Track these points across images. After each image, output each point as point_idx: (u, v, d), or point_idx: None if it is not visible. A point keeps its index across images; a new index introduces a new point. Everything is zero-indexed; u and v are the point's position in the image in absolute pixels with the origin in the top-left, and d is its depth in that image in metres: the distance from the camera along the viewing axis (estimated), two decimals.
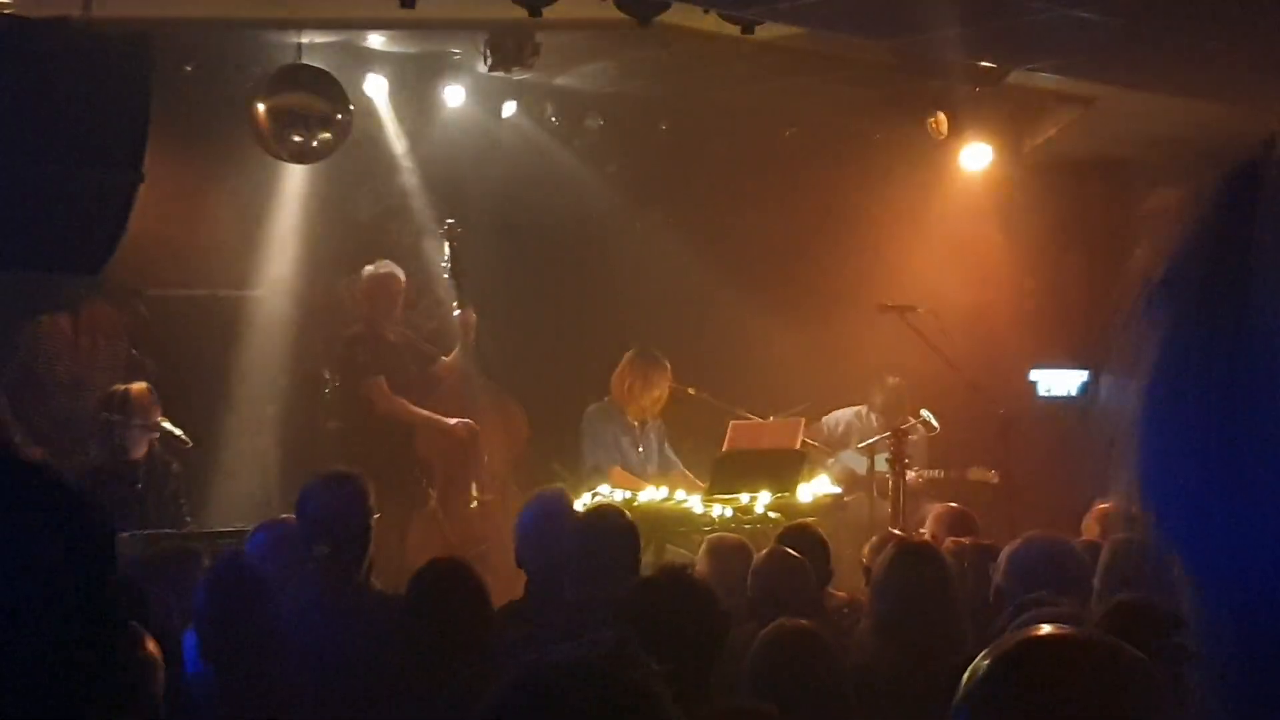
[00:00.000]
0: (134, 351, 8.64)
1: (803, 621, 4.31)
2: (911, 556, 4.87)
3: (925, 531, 7.27)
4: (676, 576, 3.75)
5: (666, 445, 9.10)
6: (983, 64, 9.37)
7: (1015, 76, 9.64)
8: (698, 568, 5.90)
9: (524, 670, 1.83)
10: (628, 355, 9.00)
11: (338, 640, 4.56)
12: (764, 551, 5.82)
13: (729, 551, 6.11)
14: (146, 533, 7.33)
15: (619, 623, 3.57)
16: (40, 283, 8.22)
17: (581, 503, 8.10)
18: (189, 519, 7.99)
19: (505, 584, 5.62)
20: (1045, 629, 1.72)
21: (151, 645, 3.06)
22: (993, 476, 9.72)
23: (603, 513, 5.62)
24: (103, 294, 8.35)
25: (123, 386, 8.02)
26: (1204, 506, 0.79)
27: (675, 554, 7.68)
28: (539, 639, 4.32)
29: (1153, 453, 0.82)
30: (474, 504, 9.07)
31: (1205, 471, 0.79)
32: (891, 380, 10.11)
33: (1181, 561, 0.81)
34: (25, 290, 8.37)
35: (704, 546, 6.27)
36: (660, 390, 8.92)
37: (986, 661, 1.62)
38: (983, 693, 1.60)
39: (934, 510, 7.51)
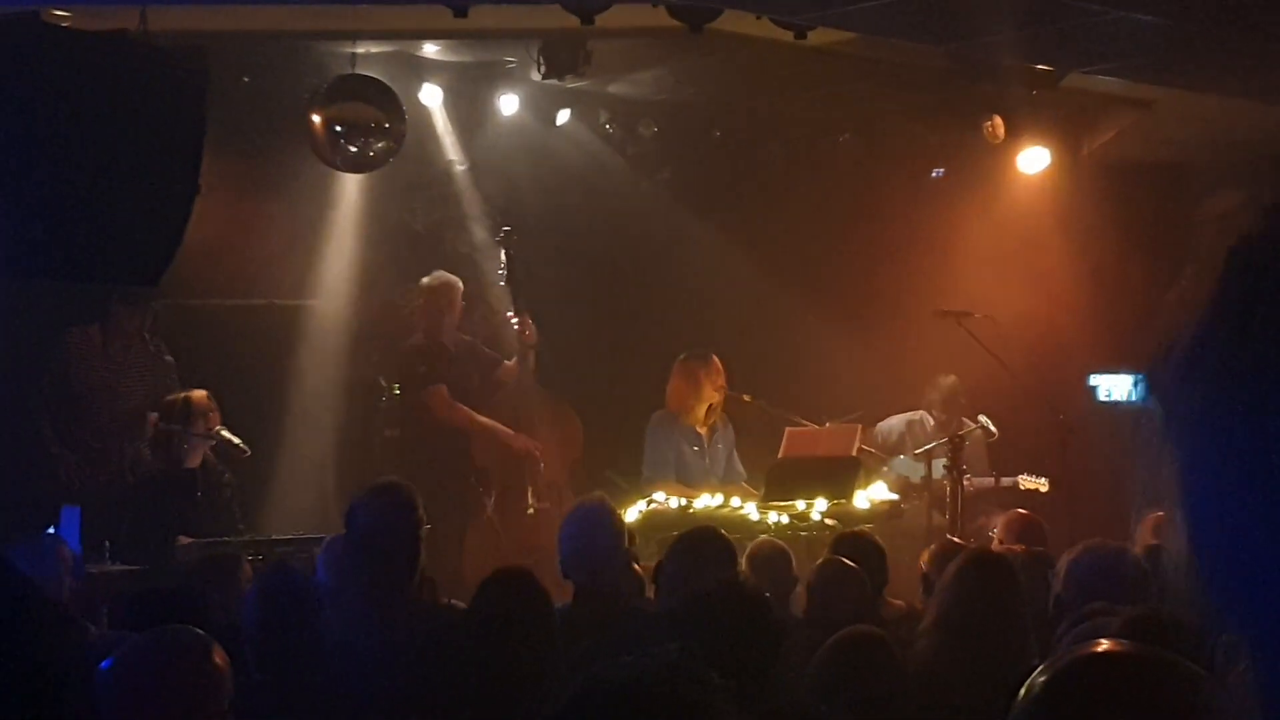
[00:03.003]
0: (153, 349, 8.66)
1: (871, 628, 4.28)
2: (981, 566, 4.83)
3: (994, 538, 7.21)
4: (732, 586, 3.74)
5: (735, 456, 9.08)
6: (1039, 67, 9.30)
7: (1072, 79, 9.56)
8: (743, 573, 5.88)
9: (586, 684, 1.82)
10: (675, 364, 9.00)
11: (389, 653, 4.55)
12: (819, 562, 5.79)
13: (769, 557, 6.09)
14: (205, 540, 7.39)
15: (675, 634, 3.56)
16: (65, 294, 8.27)
17: (636, 510, 8.11)
18: (242, 527, 8.04)
19: (561, 592, 5.62)
20: (1103, 645, 1.69)
21: (219, 656, 3.05)
22: (1043, 485, 9.63)
23: (700, 534, 5.60)
24: (121, 300, 8.39)
25: (182, 394, 8.08)
26: (1248, 546, 0.80)
27: None
28: (610, 650, 4.30)
29: (1196, 488, 0.83)
30: (530, 512, 9.07)
31: (1249, 510, 0.80)
32: (947, 379, 10.03)
33: (1221, 593, 0.82)
34: (53, 302, 8.43)
35: (745, 554, 6.23)
36: (713, 384, 8.88)
37: (1042, 679, 1.59)
38: (1037, 711, 1.57)
39: (1003, 518, 7.44)
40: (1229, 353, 0.82)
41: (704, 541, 5.42)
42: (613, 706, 1.78)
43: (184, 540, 7.38)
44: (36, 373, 8.44)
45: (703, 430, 8.95)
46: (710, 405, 8.94)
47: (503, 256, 9.27)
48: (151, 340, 8.68)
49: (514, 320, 9.23)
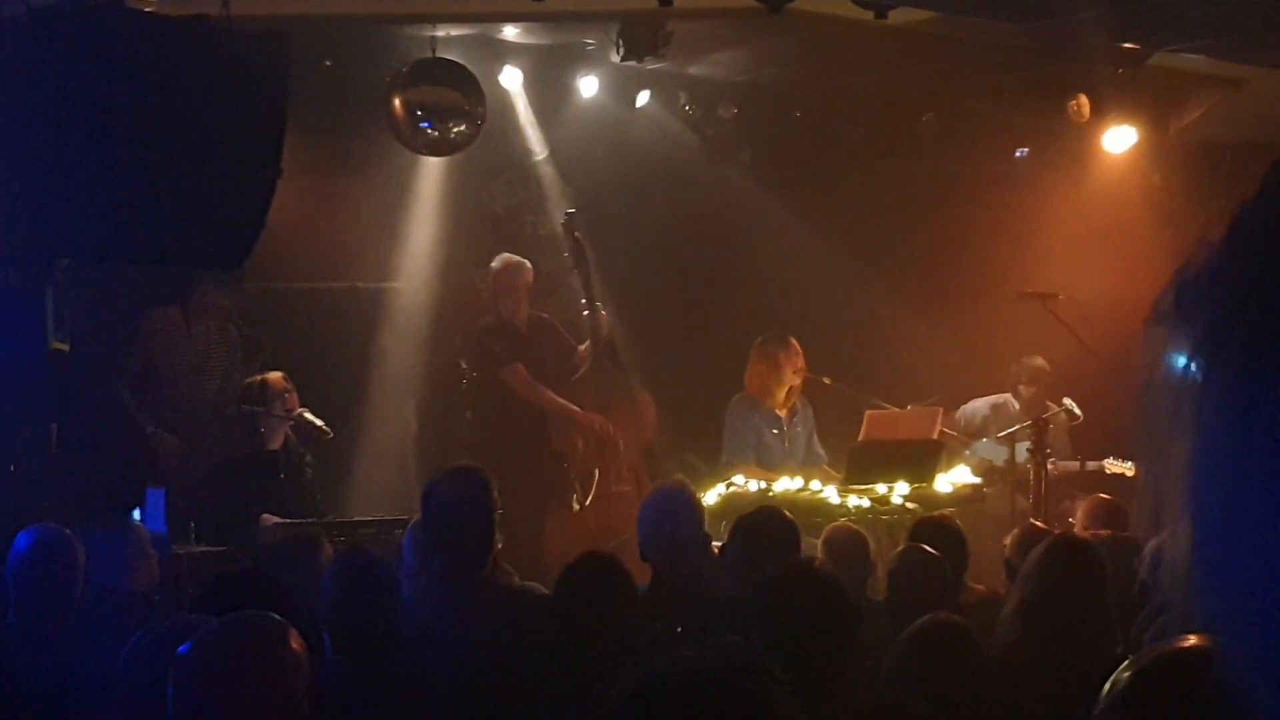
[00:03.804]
0: (239, 330, 8.75)
1: (952, 616, 4.24)
2: (1065, 552, 4.77)
3: (1074, 523, 7.13)
4: (806, 572, 3.70)
5: (815, 439, 9.03)
6: (1125, 46, 9.17)
7: (1159, 58, 9.42)
8: (819, 559, 5.87)
9: (644, 677, 1.80)
10: (753, 347, 8.96)
11: (466, 634, 4.56)
12: (899, 549, 5.75)
13: (845, 542, 6.05)
14: (287, 521, 7.45)
15: (749, 622, 3.53)
16: (149, 276, 8.35)
17: (715, 493, 8.09)
18: (325, 508, 8.09)
19: (641, 575, 5.61)
20: (1190, 640, 1.65)
21: (296, 641, 3.04)
22: (1129, 469, 9.51)
23: (762, 514, 5.57)
24: (209, 281, 8.47)
25: (259, 377, 8.14)
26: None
27: (810, 545, 7.62)
28: (684, 636, 4.29)
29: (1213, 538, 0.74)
30: (609, 494, 9.06)
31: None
32: (1033, 359, 9.91)
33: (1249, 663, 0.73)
34: (136, 285, 8.51)
35: (821, 539, 6.21)
36: (791, 367, 8.83)
37: (1128, 674, 1.56)
38: (1124, 706, 1.54)
39: (1084, 503, 7.35)
40: (1263, 326, 0.72)
41: (765, 522, 5.39)
42: (671, 700, 1.76)
43: (267, 520, 7.43)
44: (120, 355, 8.53)
45: (782, 413, 8.91)
46: (790, 388, 8.89)
47: (568, 240, 9.23)
48: (238, 322, 8.76)
49: (585, 311, 9.18)
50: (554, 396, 9.07)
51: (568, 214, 9.33)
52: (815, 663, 3.35)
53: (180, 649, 2.86)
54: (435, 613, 4.66)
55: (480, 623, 4.63)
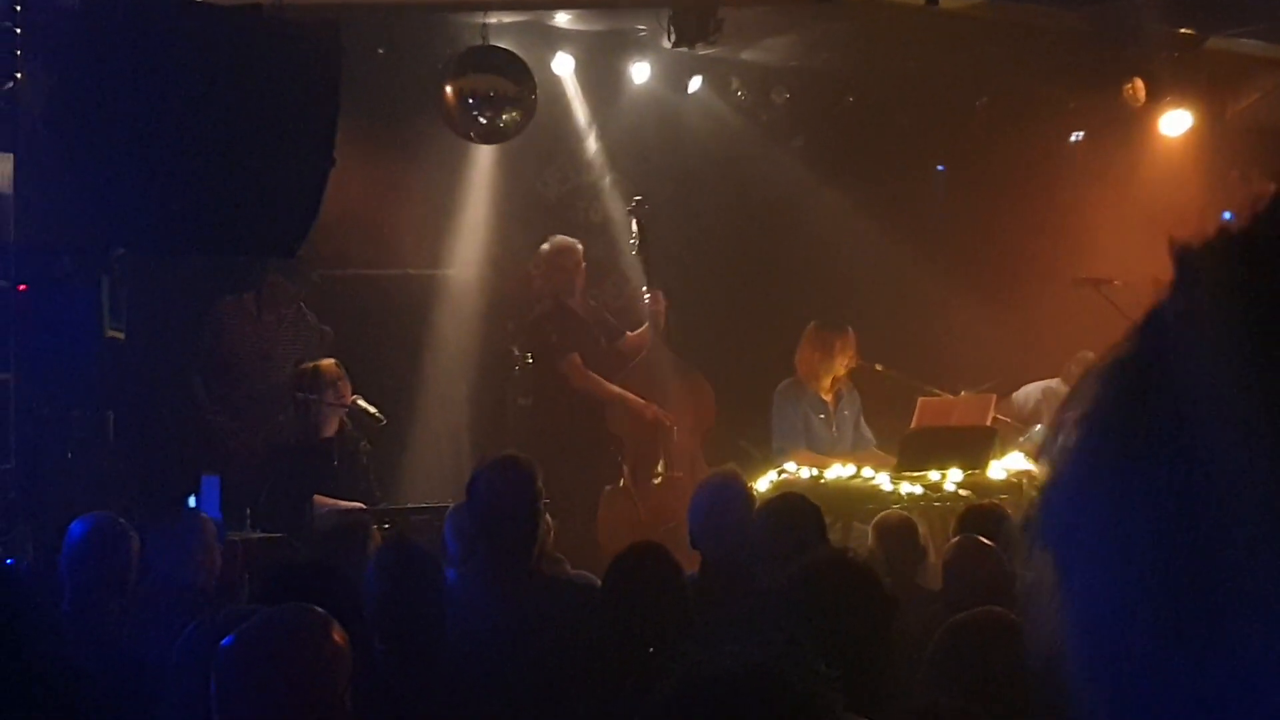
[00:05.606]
0: (308, 319, 8.84)
1: (996, 609, 4.21)
2: None
3: None
4: (837, 562, 3.68)
5: (862, 422, 9.00)
6: (1181, 30, 9.08)
7: (1216, 41, 9.33)
8: (869, 546, 5.89)
9: (689, 675, 1.80)
10: (807, 329, 8.93)
11: (508, 625, 4.57)
12: (953, 541, 5.72)
13: (895, 528, 6.05)
14: (340, 506, 7.49)
15: (781, 613, 3.52)
16: (223, 264, 8.45)
17: (767, 480, 8.08)
18: (378, 495, 8.13)
19: (691, 563, 5.62)
20: None
21: (339, 635, 3.04)
22: None
23: (785, 498, 5.57)
24: (279, 269, 8.55)
25: (312, 364, 8.18)
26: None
27: (863, 532, 7.61)
28: (726, 626, 4.30)
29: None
30: (660, 479, 9.07)
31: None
32: (1088, 357, 9.84)
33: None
34: (210, 272, 8.61)
35: (871, 525, 6.22)
36: (845, 356, 8.81)
37: None
38: None
39: None
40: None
41: (787, 506, 5.38)
42: (716, 697, 1.76)
43: (321, 502, 7.46)
44: (181, 343, 8.63)
45: (828, 398, 8.89)
46: (832, 377, 8.87)
47: (634, 227, 9.22)
48: (308, 311, 8.84)
49: (646, 295, 9.18)
50: (609, 385, 9.07)
51: (635, 200, 9.29)
52: (851, 653, 3.34)
53: (222, 643, 2.88)
54: (480, 602, 4.67)
55: (526, 613, 4.64)
